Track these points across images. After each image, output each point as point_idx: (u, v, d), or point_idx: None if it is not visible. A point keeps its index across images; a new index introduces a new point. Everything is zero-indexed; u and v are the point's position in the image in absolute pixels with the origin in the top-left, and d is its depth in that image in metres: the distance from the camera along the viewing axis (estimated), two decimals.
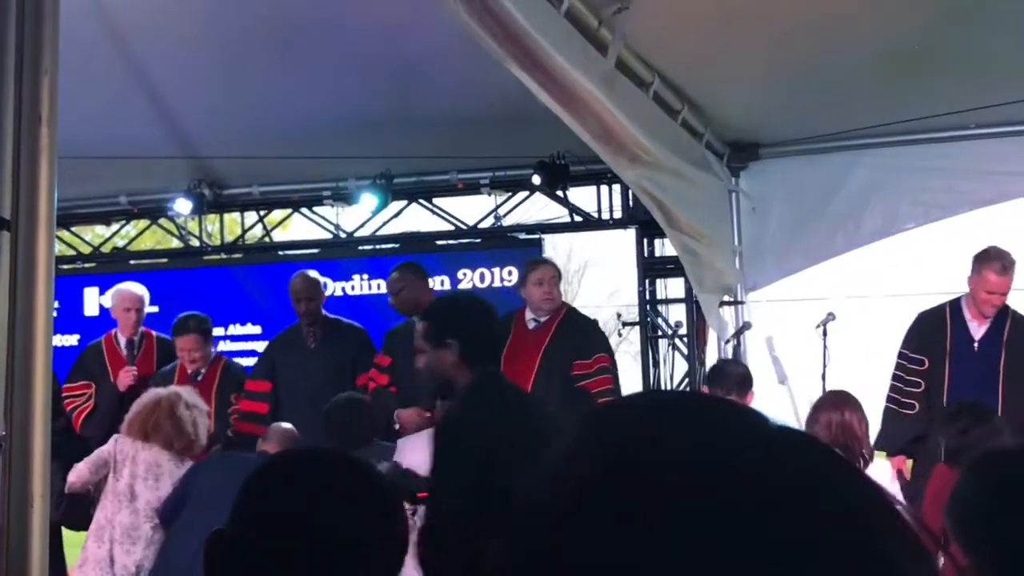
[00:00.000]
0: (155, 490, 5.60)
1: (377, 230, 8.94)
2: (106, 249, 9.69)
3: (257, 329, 8.69)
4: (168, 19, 5.97)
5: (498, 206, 8.64)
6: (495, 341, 4.35)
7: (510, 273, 8.10)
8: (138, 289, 7.74)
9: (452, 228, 8.79)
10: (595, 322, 7.43)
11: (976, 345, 6.33)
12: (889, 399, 6.46)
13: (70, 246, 9.47)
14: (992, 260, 6.18)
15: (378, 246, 8.89)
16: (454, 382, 4.13)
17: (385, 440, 5.84)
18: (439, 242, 8.78)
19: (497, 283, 8.19)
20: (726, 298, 7.82)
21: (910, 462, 6.31)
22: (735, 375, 6.31)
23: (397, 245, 8.78)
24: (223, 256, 9.44)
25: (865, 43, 5.91)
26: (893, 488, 5.08)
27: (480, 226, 8.74)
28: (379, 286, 8.19)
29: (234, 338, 8.76)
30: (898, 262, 7.41)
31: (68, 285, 8.80)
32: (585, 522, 0.59)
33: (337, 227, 9.08)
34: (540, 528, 0.61)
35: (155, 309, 8.02)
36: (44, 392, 2.17)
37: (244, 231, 9.52)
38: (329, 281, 8.50)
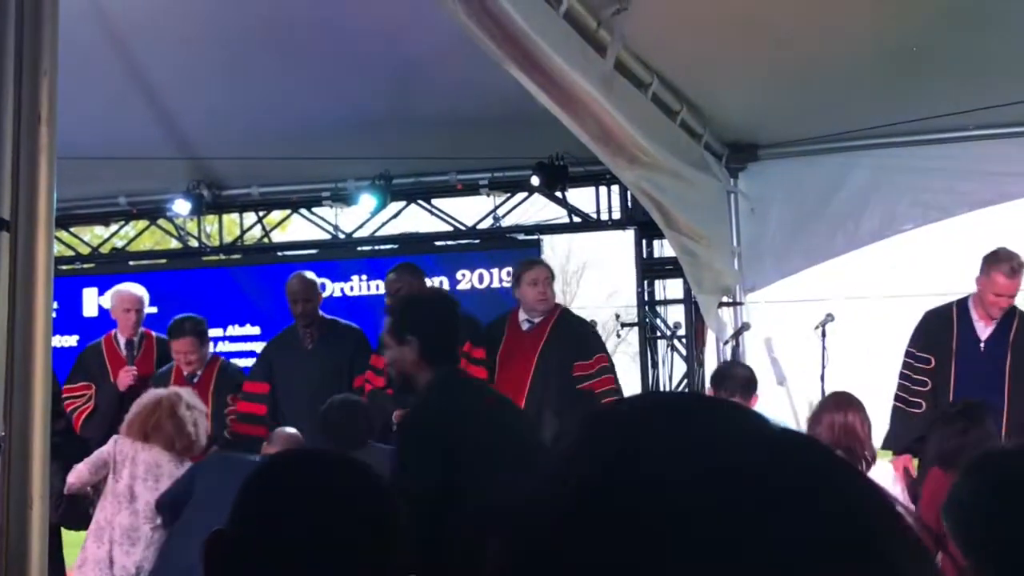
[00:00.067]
0: (155, 491, 5.60)
1: (376, 231, 8.94)
2: (105, 250, 9.69)
3: (256, 330, 8.69)
4: (167, 20, 5.97)
5: (497, 207, 8.64)
6: (456, 340, 4.33)
7: (509, 274, 8.08)
8: (138, 290, 7.74)
9: (451, 229, 8.79)
10: (591, 323, 7.44)
11: (982, 345, 6.32)
12: (896, 397, 6.46)
13: (69, 247, 9.47)
14: (1001, 262, 6.17)
15: (377, 247, 8.89)
16: (416, 378, 4.15)
17: (381, 442, 5.84)
18: (438, 243, 8.78)
19: (496, 284, 8.19)
20: (725, 299, 7.82)
21: (916, 461, 6.31)
22: (740, 377, 6.32)
23: (396, 246, 8.78)
24: (222, 257, 9.43)
25: (864, 44, 5.91)
26: (894, 490, 5.07)
27: (479, 227, 8.74)
28: (378, 287, 8.20)
29: (233, 339, 8.76)
30: (897, 263, 7.41)
31: (67, 286, 8.80)
32: (585, 522, 0.59)
33: (336, 228, 9.08)
34: (540, 528, 0.61)
35: (154, 310, 8.02)
36: (43, 393, 2.17)
37: (243, 232, 9.52)
38: (328, 282, 8.51)
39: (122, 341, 7.56)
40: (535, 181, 7.94)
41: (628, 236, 8.47)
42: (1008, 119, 6.85)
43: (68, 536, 6.61)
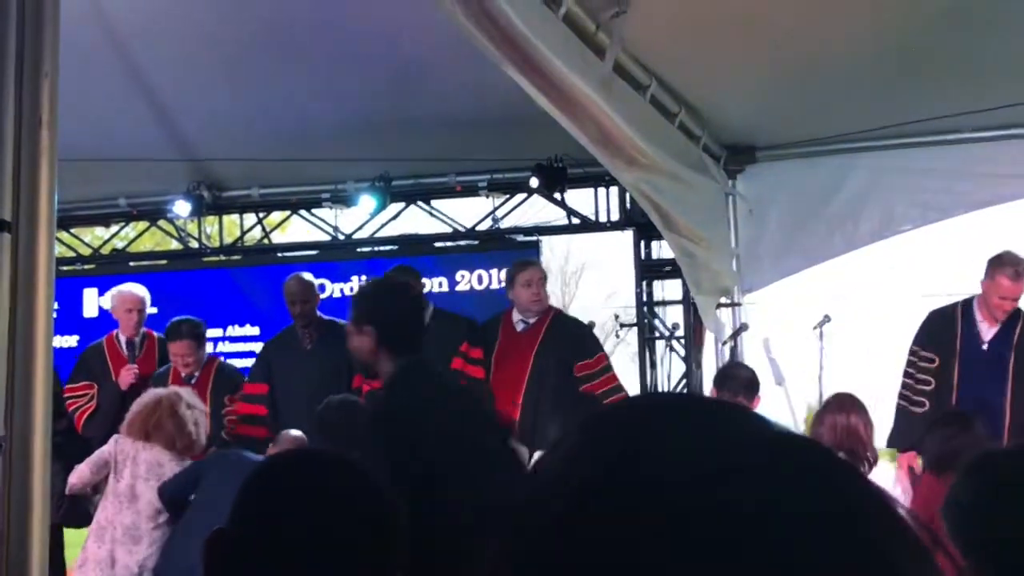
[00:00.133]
0: (157, 490, 5.61)
1: (375, 232, 8.94)
2: (105, 251, 9.70)
3: (256, 330, 8.68)
4: (168, 22, 5.97)
5: (496, 208, 8.64)
6: (417, 330, 4.30)
7: None
8: (139, 290, 7.76)
9: (450, 230, 8.79)
10: (587, 323, 7.48)
11: (986, 346, 6.32)
12: (900, 396, 6.47)
13: (70, 248, 9.47)
14: (1006, 265, 6.17)
15: (376, 248, 8.89)
16: (377, 368, 4.12)
17: None
18: (437, 244, 8.77)
19: (495, 285, 8.19)
20: (723, 300, 7.82)
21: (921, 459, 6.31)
22: (743, 378, 6.32)
23: (395, 247, 8.78)
24: (222, 258, 9.43)
25: (862, 46, 5.91)
26: (894, 492, 5.08)
27: (478, 228, 8.74)
28: None
29: (233, 339, 8.76)
30: (896, 264, 7.41)
31: (68, 286, 8.80)
32: (587, 523, 0.59)
33: (336, 229, 9.08)
34: (541, 529, 0.61)
35: (154, 310, 8.02)
36: (44, 393, 2.17)
37: (243, 233, 9.52)
38: (327, 282, 8.51)
39: (124, 341, 7.56)
40: (534, 183, 7.95)
41: (627, 237, 8.48)
42: (1006, 121, 6.85)
43: (69, 536, 6.62)
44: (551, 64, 4.80)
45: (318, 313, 7.37)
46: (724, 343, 7.85)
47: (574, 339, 7.02)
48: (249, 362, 7.86)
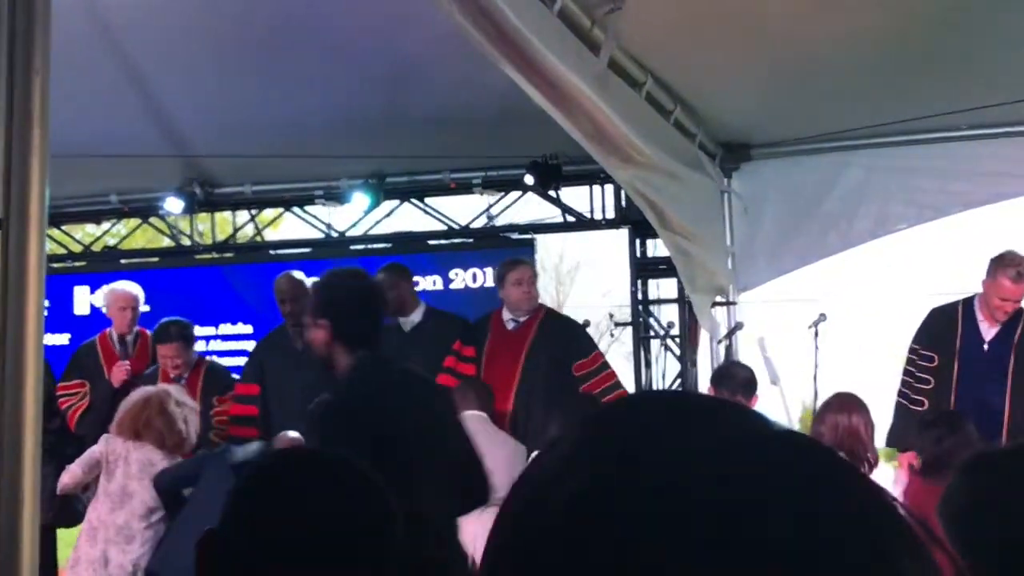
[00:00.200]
0: (150, 489, 5.60)
1: (369, 230, 8.94)
2: (97, 248, 9.67)
3: (248, 328, 8.67)
4: (160, 18, 5.96)
5: (490, 206, 8.64)
6: (374, 324, 4.29)
7: None
8: (133, 288, 7.73)
9: (444, 228, 8.78)
10: (579, 322, 7.50)
11: (986, 346, 6.32)
12: (900, 394, 6.48)
13: (61, 245, 9.46)
14: (1007, 266, 6.16)
15: (370, 246, 8.88)
16: (332, 360, 4.12)
17: None
18: (431, 242, 8.77)
19: (489, 283, 8.18)
20: (718, 298, 7.83)
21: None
22: (740, 377, 6.34)
23: (389, 245, 8.78)
24: (214, 255, 9.42)
25: (858, 45, 5.91)
26: (895, 491, 5.08)
27: (472, 226, 8.74)
28: None
29: (225, 337, 8.75)
30: (891, 262, 7.43)
31: (58, 284, 8.78)
32: (585, 524, 0.59)
33: (329, 226, 9.08)
34: (540, 529, 0.61)
35: (147, 308, 8.00)
36: (35, 391, 2.17)
37: (235, 230, 9.51)
38: None
39: (116, 338, 7.56)
40: (529, 180, 7.95)
41: (622, 235, 8.47)
42: (1000, 119, 6.85)
43: (61, 535, 6.62)
44: (546, 60, 4.80)
45: None
46: (719, 342, 7.86)
47: (567, 338, 7.04)
48: (242, 360, 7.85)
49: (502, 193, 8.54)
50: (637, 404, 0.69)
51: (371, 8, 5.83)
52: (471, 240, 8.67)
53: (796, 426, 6.89)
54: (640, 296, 8.37)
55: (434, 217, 8.78)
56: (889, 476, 5.62)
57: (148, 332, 7.57)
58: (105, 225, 9.62)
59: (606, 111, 5.43)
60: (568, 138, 5.72)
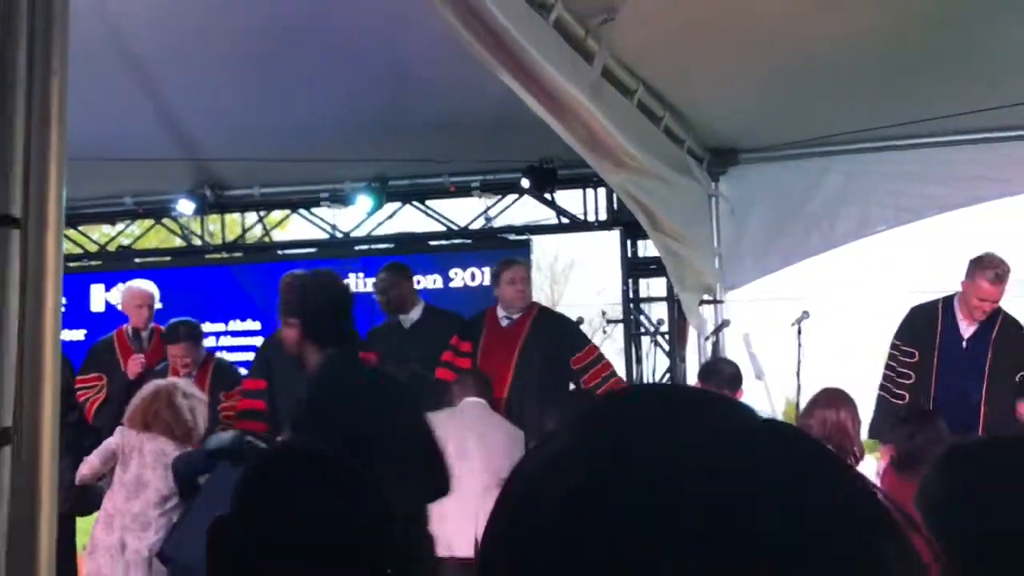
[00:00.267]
0: (164, 478, 5.63)
1: (372, 231, 8.93)
2: (112, 248, 9.66)
3: (257, 325, 8.67)
4: (173, 27, 5.95)
5: (488, 208, 8.65)
6: (343, 322, 4.26)
7: None
8: (148, 286, 7.77)
9: (444, 229, 8.78)
10: (571, 318, 7.51)
11: (965, 343, 6.32)
12: (881, 387, 6.48)
13: (77, 244, 9.44)
14: (986, 268, 6.15)
15: (373, 246, 8.88)
16: (303, 358, 4.10)
17: None
18: (432, 242, 8.77)
19: (487, 282, 8.17)
20: (706, 297, 7.83)
21: None
22: (727, 373, 6.36)
23: (391, 245, 8.77)
24: (224, 255, 9.42)
25: (839, 54, 5.91)
26: (877, 482, 5.08)
27: (471, 227, 8.74)
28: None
29: (234, 333, 8.74)
30: (871, 263, 7.44)
31: (75, 282, 8.77)
32: (581, 519, 0.58)
33: (334, 227, 9.07)
34: (534, 526, 0.60)
35: (160, 306, 8.00)
36: (53, 385, 2.16)
37: (244, 231, 9.50)
38: None
39: (132, 333, 7.58)
40: (525, 183, 7.95)
41: (614, 236, 8.47)
42: (975, 125, 6.86)
43: (80, 524, 6.64)
44: (542, 69, 4.79)
45: None
46: (707, 338, 7.86)
47: (560, 335, 7.06)
48: (250, 355, 7.83)
49: (499, 196, 8.54)
50: (631, 398, 0.69)
51: (376, 20, 5.82)
52: (470, 241, 8.67)
53: (780, 419, 6.88)
54: (631, 295, 8.37)
55: (434, 219, 8.77)
56: (872, 468, 5.62)
57: (162, 328, 7.58)
58: (120, 226, 9.62)
59: (599, 118, 5.43)
60: (563, 143, 5.71)
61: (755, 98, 6.68)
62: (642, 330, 8.32)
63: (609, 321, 8.58)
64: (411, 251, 8.40)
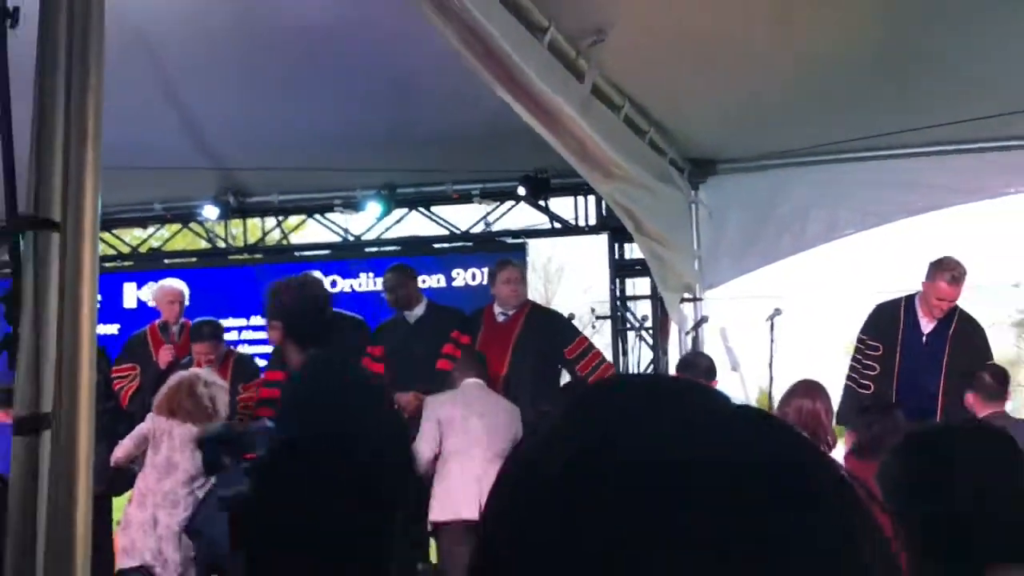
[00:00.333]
0: (192, 459, 5.67)
1: (381, 234, 8.92)
2: (143, 249, 9.67)
3: None
4: (199, 51, 5.96)
5: (488, 214, 8.64)
6: (321, 324, 4.25)
7: None
8: (180, 284, 7.82)
9: (447, 233, 8.78)
10: (562, 314, 7.54)
11: (925, 339, 6.33)
12: (849, 378, 6.48)
13: (111, 246, 9.43)
14: (944, 270, 6.16)
15: (382, 248, 8.87)
16: (287, 357, 4.09)
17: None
18: (436, 245, 8.76)
19: (486, 281, 8.19)
20: (686, 295, 7.83)
21: None
22: (703, 366, 6.40)
23: (399, 248, 8.77)
24: (246, 256, 9.40)
25: (808, 76, 5.93)
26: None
27: (472, 231, 8.73)
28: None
29: (255, 328, 8.73)
30: (839, 264, 7.44)
31: (109, 281, 8.76)
32: (574, 495, 0.58)
33: (346, 231, 9.06)
34: (532, 502, 0.60)
35: (187, 303, 8.01)
36: (89, 375, 2.17)
37: (264, 234, 9.49)
38: (339, 279, 8.51)
39: (164, 327, 7.63)
40: (521, 191, 7.95)
41: (602, 240, 8.47)
42: (932, 139, 6.87)
43: (115, 503, 6.68)
44: (537, 86, 4.80)
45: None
46: (687, 333, 7.86)
47: (552, 330, 7.07)
48: (269, 348, 7.83)
49: (498, 202, 8.53)
50: (617, 387, 0.69)
51: (386, 43, 5.82)
52: (470, 244, 8.66)
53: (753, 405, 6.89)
54: (618, 293, 8.37)
55: (438, 223, 8.77)
56: (839, 451, 5.62)
57: (191, 323, 7.61)
58: (150, 229, 9.62)
59: (589, 132, 5.43)
60: (556, 155, 5.72)
61: (731, 114, 6.69)
62: (628, 326, 8.32)
63: (598, 317, 8.58)
64: (417, 253, 8.41)
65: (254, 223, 9.70)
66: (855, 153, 7.20)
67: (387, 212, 8.52)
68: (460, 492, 5.73)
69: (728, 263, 7.87)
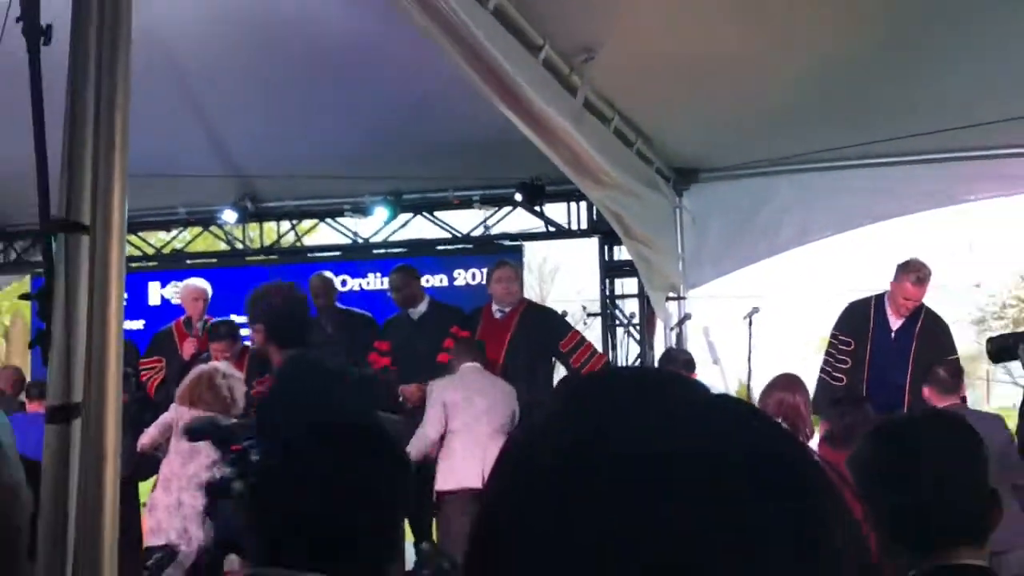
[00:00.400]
0: (212, 445, 5.66)
1: (388, 237, 8.91)
2: (166, 251, 9.68)
3: None
4: (221, 66, 5.97)
5: (487, 218, 8.64)
6: (301, 325, 4.23)
7: None
8: (203, 283, 7.88)
9: (449, 236, 8.77)
10: (556, 311, 7.54)
11: (893, 335, 6.33)
12: (822, 371, 6.49)
13: (137, 248, 9.42)
14: (910, 272, 6.17)
15: (389, 250, 8.87)
16: (269, 357, 4.09)
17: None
18: (439, 248, 8.76)
19: (486, 281, 8.20)
20: (671, 294, 7.84)
21: None
22: (682, 360, 6.43)
23: (404, 249, 8.76)
24: (262, 257, 9.39)
25: (784, 92, 5.94)
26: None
27: (472, 234, 8.73)
28: None
29: None
30: (812, 265, 7.44)
31: (135, 280, 8.76)
32: (569, 478, 0.58)
33: (355, 234, 9.05)
34: (530, 483, 0.60)
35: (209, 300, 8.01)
36: (116, 368, 2.17)
37: (279, 237, 9.48)
38: (348, 278, 8.52)
39: (188, 323, 7.68)
40: (518, 197, 7.96)
41: (593, 243, 8.47)
42: (898, 150, 6.87)
43: (141, 487, 6.69)
44: (533, 100, 4.80)
45: (336, 304, 7.45)
46: (672, 329, 7.87)
47: (546, 327, 7.07)
48: None
49: (496, 208, 8.53)
50: (608, 378, 0.69)
51: (393, 58, 5.82)
52: (471, 246, 8.66)
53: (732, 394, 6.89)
54: (608, 292, 8.37)
55: (441, 227, 8.77)
56: (813, 441, 5.63)
57: (213, 318, 7.64)
58: (173, 232, 9.65)
59: (581, 142, 5.44)
60: (550, 163, 5.72)
61: (713, 127, 6.71)
62: (617, 322, 8.32)
63: (589, 315, 8.57)
64: (421, 254, 8.41)
65: (270, 226, 9.70)
66: (827, 163, 7.21)
67: (393, 216, 8.52)
68: (463, 463, 5.77)
69: (710, 265, 7.88)
